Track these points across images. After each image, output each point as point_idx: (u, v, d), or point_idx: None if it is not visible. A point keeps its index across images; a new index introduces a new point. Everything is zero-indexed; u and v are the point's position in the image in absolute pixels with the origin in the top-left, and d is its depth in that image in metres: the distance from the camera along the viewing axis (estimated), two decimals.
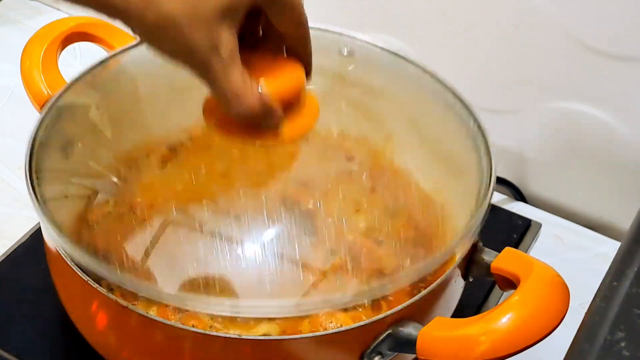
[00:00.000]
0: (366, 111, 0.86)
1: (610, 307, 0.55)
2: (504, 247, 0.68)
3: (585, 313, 0.56)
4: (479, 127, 0.75)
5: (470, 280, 0.70)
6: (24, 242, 0.83)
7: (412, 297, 0.64)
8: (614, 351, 0.52)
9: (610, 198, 0.94)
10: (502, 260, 0.67)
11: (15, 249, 0.82)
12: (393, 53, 0.81)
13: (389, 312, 0.63)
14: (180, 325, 0.61)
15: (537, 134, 0.94)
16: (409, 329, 0.62)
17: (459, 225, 0.78)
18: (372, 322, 0.62)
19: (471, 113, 0.76)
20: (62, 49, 0.82)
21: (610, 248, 0.91)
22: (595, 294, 0.57)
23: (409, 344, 0.62)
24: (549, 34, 0.87)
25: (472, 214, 0.70)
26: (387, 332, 0.62)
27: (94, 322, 0.67)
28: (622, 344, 0.52)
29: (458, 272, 0.68)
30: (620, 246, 0.61)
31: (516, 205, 0.96)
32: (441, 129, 0.81)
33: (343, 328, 0.62)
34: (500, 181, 0.97)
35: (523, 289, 0.62)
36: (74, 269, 0.64)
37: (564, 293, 0.62)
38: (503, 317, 0.60)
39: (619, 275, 0.57)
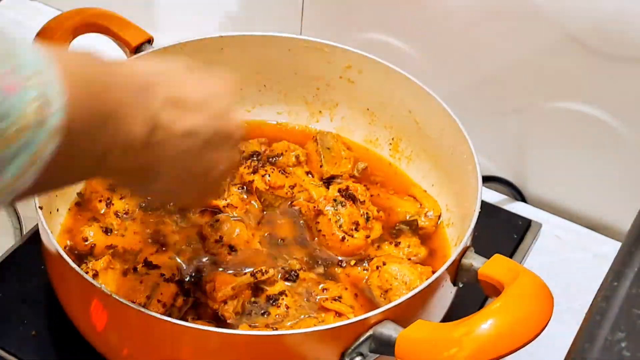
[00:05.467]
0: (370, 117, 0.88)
1: (610, 307, 0.55)
2: (504, 247, 0.68)
3: (586, 313, 0.56)
4: (465, 136, 0.76)
5: (460, 286, 0.70)
6: (23, 243, 0.83)
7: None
8: (614, 351, 0.52)
9: (610, 198, 0.94)
10: (490, 267, 0.67)
11: (15, 249, 0.82)
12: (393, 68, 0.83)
13: (372, 313, 0.63)
14: (179, 322, 0.62)
15: (537, 134, 0.94)
16: (390, 331, 0.62)
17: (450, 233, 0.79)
18: (355, 321, 0.63)
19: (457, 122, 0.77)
20: (73, 39, 0.83)
21: (610, 248, 0.91)
22: (595, 294, 0.57)
23: (388, 346, 0.62)
24: (549, 34, 0.87)
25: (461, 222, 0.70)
26: (369, 333, 0.63)
27: (93, 321, 0.67)
28: (622, 344, 0.52)
29: (446, 276, 0.68)
30: (620, 246, 0.61)
31: (516, 205, 0.96)
32: (435, 138, 0.83)
33: (326, 326, 0.63)
34: (500, 181, 0.96)
35: (505, 295, 0.62)
36: (73, 266, 0.64)
37: (547, 301, 0.62)
38: (483, 324, 0.59)
39: (619, 275, 0.57)
